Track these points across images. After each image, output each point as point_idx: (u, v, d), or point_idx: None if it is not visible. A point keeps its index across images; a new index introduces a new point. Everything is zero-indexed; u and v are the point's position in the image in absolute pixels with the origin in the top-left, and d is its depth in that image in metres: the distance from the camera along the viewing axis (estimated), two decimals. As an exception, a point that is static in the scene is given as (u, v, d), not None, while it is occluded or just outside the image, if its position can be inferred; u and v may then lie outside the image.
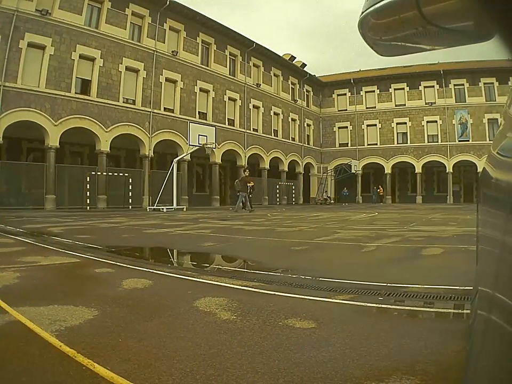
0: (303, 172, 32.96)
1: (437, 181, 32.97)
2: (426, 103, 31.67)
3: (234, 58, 26.61)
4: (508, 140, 0.69)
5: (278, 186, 29.26)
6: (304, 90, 34.16)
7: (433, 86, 31.36)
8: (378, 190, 32.49)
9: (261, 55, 28.35)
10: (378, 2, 0.64)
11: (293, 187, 31.10)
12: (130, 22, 20.23)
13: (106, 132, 18.86)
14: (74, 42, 17.71)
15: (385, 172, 32.59)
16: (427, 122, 31.63)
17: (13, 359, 1.75)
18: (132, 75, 20.31)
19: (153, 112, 20.90)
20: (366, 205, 28.09)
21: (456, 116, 30.63)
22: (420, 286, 3.23)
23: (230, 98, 25.91)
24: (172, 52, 22.09)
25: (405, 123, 32.37)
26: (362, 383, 1.57)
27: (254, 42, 26.78)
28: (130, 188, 19.65)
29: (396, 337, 2.08)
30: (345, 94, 34.96)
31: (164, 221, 11.11)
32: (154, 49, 21.11)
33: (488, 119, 28.96)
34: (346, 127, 34.78)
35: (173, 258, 5.39)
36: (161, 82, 21.57)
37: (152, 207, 18.01)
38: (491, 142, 1.24)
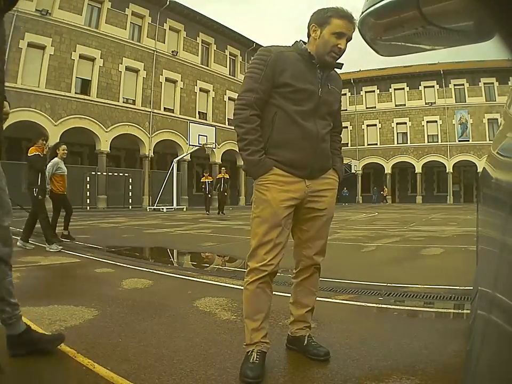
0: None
1: (437, 181, 32.93)
2: (426, 103, 31.65)
3: (234, 58, 26.60)
4: (508, 139, 0.70)
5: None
6: (304, 90, 34.09)
7: (433, 86, 31.33)
8: (382, 192, 32.36)
9: (261, 55, 28.31)
10: (378, 2, 0.64)
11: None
12: (130, 22, 20.23)
13: (106, 132, 18.85)
14: (74, 42, 17.71)
15: (385, 171, 32.56)
16: (427, 122, 31.60)
17: (12, 359, 1.75)
18: (132, 75, 20.31)
19: (153, 112, 20.90)
20: (366, 205, 28.08)
21: (456, 116, 30.60)
22: (420, 286, 3.23)
23: (230, 98, 25.88)
24: (172, 52, 22.08)
25: (405, 123, 32.35)
26: (362, 383, 1.57)
27: (254, 42, 26.76)
28: (130, 187, 19.64)
29: (396, 337, 2.08)
30: (345, 94, 34.88)
31: (164, 221, 11.11)
32: (154, 49, 21.11)
33: (488, 119, 28.93)
34: (346, 127, 34.71)
35: (173, 258, 5.40)
36: (161, 82, 21.56)
37: (152, 207, 18.02)
38: (491, 142, 1.24)
